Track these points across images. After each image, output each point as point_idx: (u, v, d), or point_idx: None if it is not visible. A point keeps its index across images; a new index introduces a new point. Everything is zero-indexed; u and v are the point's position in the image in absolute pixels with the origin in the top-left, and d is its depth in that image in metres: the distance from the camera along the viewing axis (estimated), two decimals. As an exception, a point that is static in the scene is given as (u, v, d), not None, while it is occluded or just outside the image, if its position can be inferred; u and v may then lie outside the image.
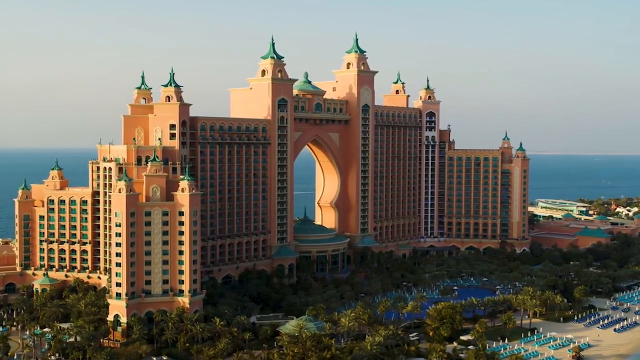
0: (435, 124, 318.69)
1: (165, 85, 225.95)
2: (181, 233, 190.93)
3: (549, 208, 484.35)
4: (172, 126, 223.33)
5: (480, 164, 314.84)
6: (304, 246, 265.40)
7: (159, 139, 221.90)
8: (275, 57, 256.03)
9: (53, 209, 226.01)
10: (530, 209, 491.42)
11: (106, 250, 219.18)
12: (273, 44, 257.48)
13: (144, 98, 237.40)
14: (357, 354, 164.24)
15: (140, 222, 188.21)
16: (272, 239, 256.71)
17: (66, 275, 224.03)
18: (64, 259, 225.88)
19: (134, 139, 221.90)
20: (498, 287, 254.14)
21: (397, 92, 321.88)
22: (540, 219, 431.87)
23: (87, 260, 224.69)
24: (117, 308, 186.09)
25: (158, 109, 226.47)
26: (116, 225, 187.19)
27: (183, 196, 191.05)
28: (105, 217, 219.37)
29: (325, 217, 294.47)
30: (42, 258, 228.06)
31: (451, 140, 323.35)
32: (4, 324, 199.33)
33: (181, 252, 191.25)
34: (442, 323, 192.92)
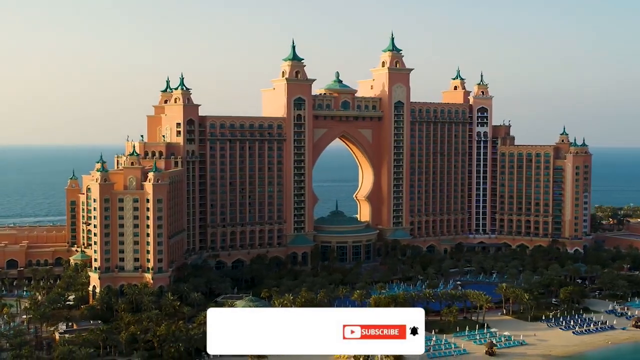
0: (487, 120, 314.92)
1: (176, 88, 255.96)
2: (149, 218, 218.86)
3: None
4: (179, 124, 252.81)
5: (532, 160, 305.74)
6: (324, 236, 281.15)
7: (163, 135, 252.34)
8: (294, 59, 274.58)
9: (90, 196, 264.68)
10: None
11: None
12: (294, 47, 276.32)
13: (166, 100, 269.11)
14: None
15: (114, 207, 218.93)
16: (288, 229, 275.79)
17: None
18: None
19: (142, 136, 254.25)
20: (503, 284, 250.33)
21: (455, 88, 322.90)
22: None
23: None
24: (94, 280, 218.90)
25: (168, 109, 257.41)
26: (93, 210, 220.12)
27: (149, 186, 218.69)
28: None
29: (362, 211, 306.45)
30: (83, 237, 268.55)
31: (510, 135, 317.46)
32: (27, 289, 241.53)
33: (149, 235, 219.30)
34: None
